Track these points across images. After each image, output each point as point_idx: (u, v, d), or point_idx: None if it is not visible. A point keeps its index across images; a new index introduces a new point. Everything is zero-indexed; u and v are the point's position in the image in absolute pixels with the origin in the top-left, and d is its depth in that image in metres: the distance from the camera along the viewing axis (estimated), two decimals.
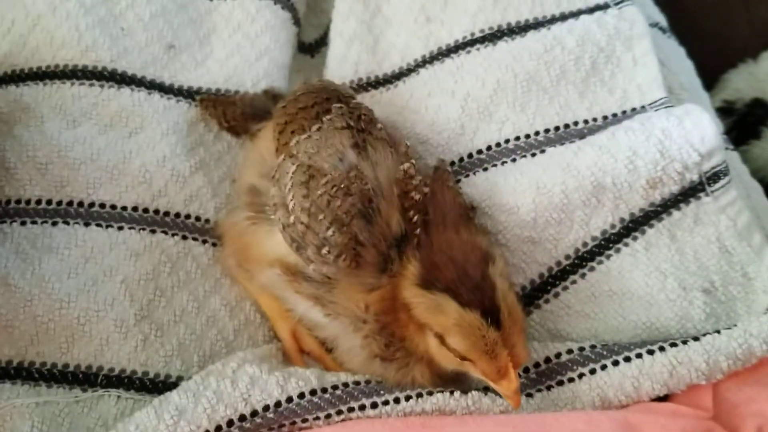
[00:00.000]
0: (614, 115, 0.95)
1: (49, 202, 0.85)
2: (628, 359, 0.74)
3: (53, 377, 0.76)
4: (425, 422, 0.69)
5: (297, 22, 1.11)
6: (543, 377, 0.76)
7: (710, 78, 1.37)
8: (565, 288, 0.84)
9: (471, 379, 0.71)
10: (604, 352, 0.75)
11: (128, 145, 0.90)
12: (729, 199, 0.84)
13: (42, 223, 0.83)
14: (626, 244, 0.83)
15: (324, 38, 1.14)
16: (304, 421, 0.70)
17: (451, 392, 0.72)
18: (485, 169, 0.92)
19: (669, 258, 0.82)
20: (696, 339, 0.73)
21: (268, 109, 0.91)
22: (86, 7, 0.97)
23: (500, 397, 0.71)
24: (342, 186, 0.74)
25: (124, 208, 0.86)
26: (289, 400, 0.70)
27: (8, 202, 0.85)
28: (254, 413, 0.69)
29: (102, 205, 0.86)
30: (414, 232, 0.73)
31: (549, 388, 0.76)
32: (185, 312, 0.83)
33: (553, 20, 1.01)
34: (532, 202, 0.84)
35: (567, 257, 0.84)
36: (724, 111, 1.42)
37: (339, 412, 0.71)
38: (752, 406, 0.69)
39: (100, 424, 0.74)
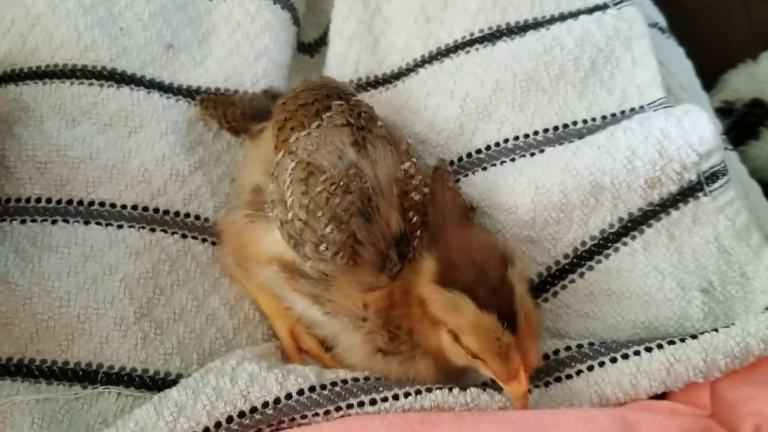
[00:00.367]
0: (613, 115, 0.95)
1: (48, 200, 0.85)
2: (626, 356, 0.74)
3: (53, 374, 0.76)
4: (423, 418, 0.69)
5: (296, 21, 1.11)
6: (541, 374, 0.76)
7: (709, 78, 1.37)
8: (564, 287, 0.84)
9: (472, 375, 0.72)
10: (602, 350, 0.76)
11: (127, 144, 0.90)
12: (727, 199, 0.84)
13: (42, 221, 0.84)
14: (625, 244, 0.83)
15: (323, 38, 1.14)
16: (303, 417, 0.71)
17: (450, 389, 0.72)
18: (484, 169, 0.93)
19: (667, 257, 0.82)
20: (694, 337, 0.74)
21: (267, 109, 0.91)
22: (85, 6, 0.98)
23: (499, 393, 0.71)
24: (341, 183, 0.74)
25: (124, 207, 0.87)
26: (288, 396, 0.71)
27: (8, 200, 0.85)
28: (253, 410, 0.70)
29: (102, 204, 0.86)
30: (413, 233, 0.73)
31: (547, 384, 0.76)
32: (185, 310, 0.83)
33: (553, 20, 1.01)
34: (531, 202, 0.84)
35: (566, 257, 0.84)
36: (724, 111, 1.42)
37: (338, 409, 0.71)
38: (750, 404, 0.70)
39: (99, 421, 0.75)
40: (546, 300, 0.84)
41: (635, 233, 0.84)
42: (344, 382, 0.72)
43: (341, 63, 1.06)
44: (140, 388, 0.77)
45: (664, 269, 0.82)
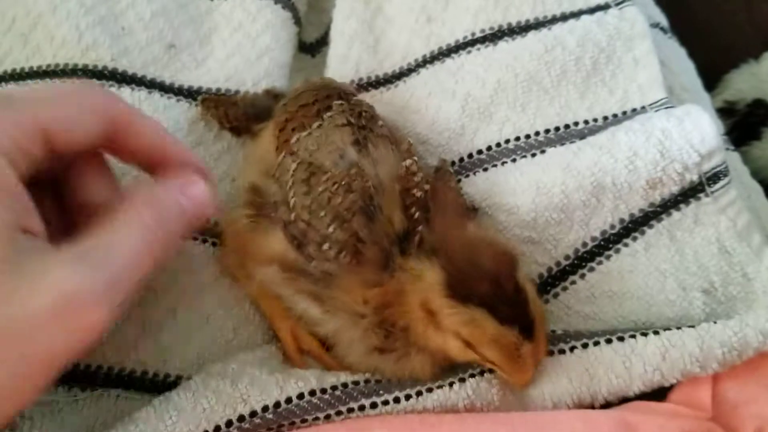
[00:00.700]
0: (615, 115, 0.95)
1: None
2: (621, 339, 0.73)
3: None
4: (423, 419, 0.69)
5: (298, 21, 1.11)
6: None
7: (712, 78, 1.36)
8: (565, 288, 0.84)
9: (467, 366, 0.72)
10: (598, 332, 0.75)
11: None
12: (729, 200, 0.84)
13: None
14: (626, 245, 0.83)
15: (325, 38, 1.14)
16: (303, 421, 0.70)
17: (450, 384, 0.71)
18: (485, 170, 0.92)
19: (669, 258, 0.82)
20: (691, 326, 0.73)
21: (269, 109, 0.91)
22: (87, 6, 0.97)
23: (495, 378, 0.72)
24: (343, 183, 0.74)
25: None
26: (288, 400, 0.70)
27: None
28: (253, 414, 0.69)
29: None
30: (416, 229, 0.73)
31: None
32: (184, 311, 0.83)
33: (554, 20, 1.01)
34: (531, 202, 0.83)
35: (567, 258, 0.84)
36: (726, 111, 1.42)
37: (338, 413, 0.70)
38: (752, 407, 0.69)
39: (100, 422, 0.74)
40: (547, 301, 0.84)
41: (636, 234, 0.83)
42: (345, 385, 0.72)
43: (342, 63, 1.06)
44: (140, 389, 0.77)
45: (665, 270, 0.82)
